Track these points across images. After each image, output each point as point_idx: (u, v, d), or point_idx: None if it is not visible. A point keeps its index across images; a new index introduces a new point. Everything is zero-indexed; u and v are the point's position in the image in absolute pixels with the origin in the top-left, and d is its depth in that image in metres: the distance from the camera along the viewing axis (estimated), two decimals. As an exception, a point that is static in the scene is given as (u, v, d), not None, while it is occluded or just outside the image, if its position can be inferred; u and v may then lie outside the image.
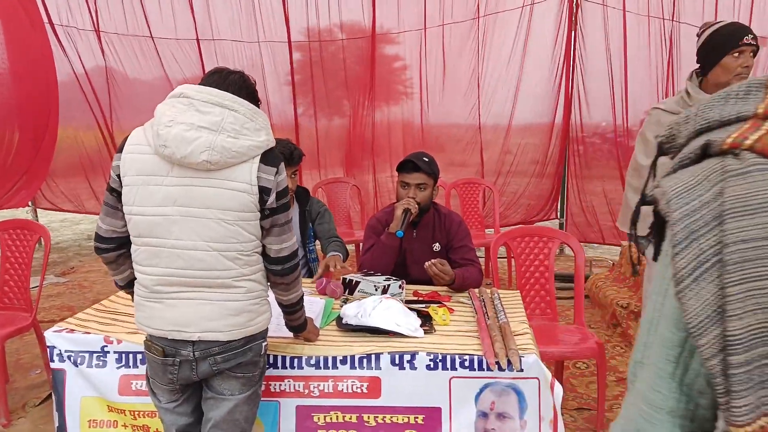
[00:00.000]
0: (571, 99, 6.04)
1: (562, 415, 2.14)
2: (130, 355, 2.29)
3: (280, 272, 1.90)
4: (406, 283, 2.76)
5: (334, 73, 6.43)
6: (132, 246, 1.90)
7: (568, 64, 5.96)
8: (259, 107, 1.97)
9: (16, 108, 5.45)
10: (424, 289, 2.80)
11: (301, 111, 6.60)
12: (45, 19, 5.96)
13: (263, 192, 1.80)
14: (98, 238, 1.96)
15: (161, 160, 1.78)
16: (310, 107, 6.66)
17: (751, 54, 2.45)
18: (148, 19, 6.17)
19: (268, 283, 1.99)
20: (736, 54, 2.45)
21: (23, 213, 6.75)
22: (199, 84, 1.88)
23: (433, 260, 2.63)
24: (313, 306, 2.50)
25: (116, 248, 1.95)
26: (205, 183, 1.77)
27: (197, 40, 6.25)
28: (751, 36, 2.44)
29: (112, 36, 6.31)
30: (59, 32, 6.22)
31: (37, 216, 6.84)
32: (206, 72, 1.94)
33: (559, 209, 6.44)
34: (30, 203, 6.55)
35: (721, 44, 2.47)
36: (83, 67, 6.35)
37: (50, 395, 3.41)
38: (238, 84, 1.90)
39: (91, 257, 6.96)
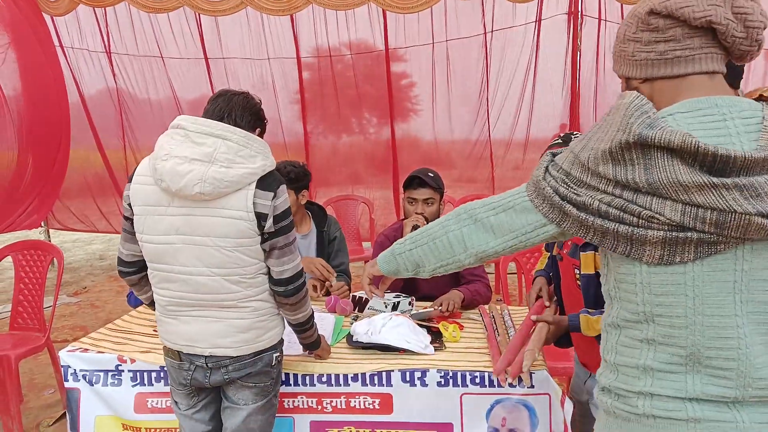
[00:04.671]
0: (579, 114, 6.06)
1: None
2: (145, 374, 2.31)
3: (283, 293, 1.93)
4: (416, 299, 2.78)
5: (342, 90, 6.49)
6: (148, 269, 1.98)
7: (574, 78, 5.99)
8: (264, 126, 2.02)
9: (29, 132, 5.54)
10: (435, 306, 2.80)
11: (310, 128, 6.67)
12: (56, 43, 6.07)
13: (260, 218, 1.83)
14: (120, 262, 2.04)
15: (162, 191, 1.84)
16: (319, 125, 6.73)
17: None
18: (158, 40, 6.27)
19: None
20: None
21: (35, 233, 6.82)
22: (206, 107, 1.94)
23: (438, 306, 2.64)
24: (324, 323, 2.52)
25: (138, 271, 2.03)
26: (204, 212, 1.82)
27: (206, 58, 6.34)
28: None
29: (123, 57, 6.41)
30: (69, 55, 6.33)
31: (49, 236, 6.91)
32: (212, 96, 1.98)
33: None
34: (42, 224, 6.61)
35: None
36: (94, 88, 6.45)
37: (64, 415, 3.45)
38: (241, 105, 1.94)
39: (102, 277, 7.02)
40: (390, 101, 6.39)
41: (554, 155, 1.25)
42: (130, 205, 1.92)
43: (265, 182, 1.85)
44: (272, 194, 1.85)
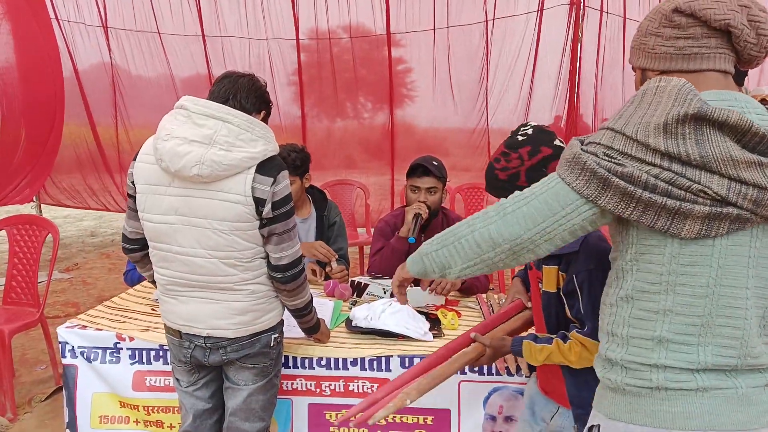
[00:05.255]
0: (577, 105, 6.07)
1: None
2: (144, 352, 2.32)
3: (281, 279, 1.93)
4: (414, 286, 2.79)
5: (338, 74, 6.44)
6: (149, 248, 1.98)
7: (573, 69, 6.00)
8: (270, 109, 2.01)
9: (23, 106, 5.47)
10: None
11: (305, 111, 6.63)
12: (52, 15, 5.98)
13: (258, 203, 1.82)
14: (124, 239, 2.05)
15: (163, 171, 1.83)
16: (313, 108, 6.69)
17: None
18: (156, 15, 6.19)
19: None
20: None
21: (27, 209, 6.77)
22: (211, 88, 1.93)
23: (436, 288, 2.62)
24: (324, 308, 2.53)
25: (141, 249, 2.03)
26: (202, 194, 1.81)
27: (203, 36, 6.27)
28: None
29: (120, 32, 6.33)
30: (65, 28, 6.24)
31: (41, 212, 6.86)
32: (217, 77, 1.97)
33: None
34: (34, 199, 6.56)
35: None
36: (89, 63, 6.38)
37: (56, 390, 3.45)
38: (247, 87, 1.93)
39: (94, 254, 6.99)
40: (391, 87, 6.36)
41: (581, 141, 1.25)
42: (133, 183, 1.91)
43: (266, 167, 1.83)
44: (272, 180, 1.83)
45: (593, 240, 1.57)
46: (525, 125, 1.74)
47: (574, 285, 1.58)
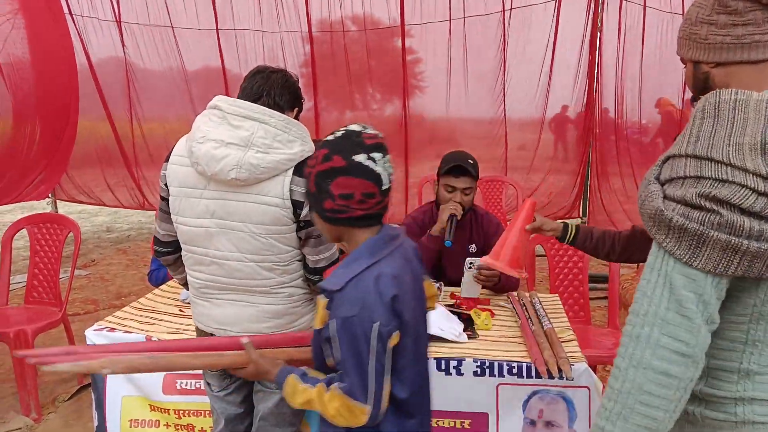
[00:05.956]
0: (596, 95, 5.98)
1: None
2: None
3: (319, 282, 1.88)
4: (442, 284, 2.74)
5: (348, 66, 6.38)
6: (182, 251, 1.93)
7: (593, 60, 5.91)
8: (302, 106, 1.96)
9: (38, 101, 5.44)
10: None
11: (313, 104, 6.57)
12: (66, 10, 5.94)
13: (296, 205, 1.77)
14: (157, 242, 2.00)
15: (198, 174, 1.78)
16: (322, 100, 6.63)
17: None
18: (170, 9, 6.15)
19: None
20: None
21: (42, 205, 6.76)
22: (242, 84, 1.88)
23: (478, 266, 2.59)
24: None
25: (174, 251, 1.98)
26: (239, 198, 1.77)
27: (217, 29, 6.22)
28: None
29: (133, 27, 6.29)
30: (79, 23, 6.20)
31: (56, 208, 6.84)
32: (248, 72, 1.91)
33: (581, 208, 6.38)
34: (50, 195, 6.54)
35: None
36: (102, 57, 6.35)
37: (80, 389, 3.43)
38: (280, 83, 1.88)
39: (111, 249, 6.98)
40: (405, 79, 6.29)
41: (657, 178, 1.11)
42: (166, 185, 1.87)
43: (303, 169, 1.77)
44: None
45: (366, 279, 1.32)
46: (352, 127, 1.41)
47: (330, 331, 1.32)
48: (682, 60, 1.24)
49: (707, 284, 1.05)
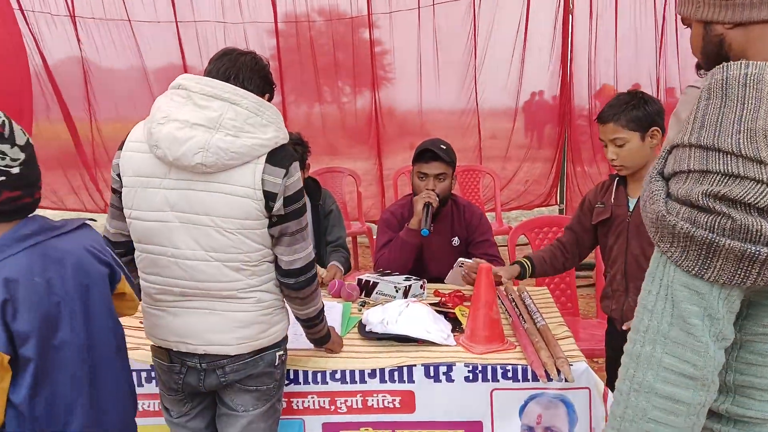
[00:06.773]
0: (570, 82, 5.88)
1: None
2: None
3: (293, 286, 1.71)
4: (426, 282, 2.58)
5: (314, 59, 6.18)
6: (135, 251, 1.73)
7: (565, 44, 5.81)
8: (273, 92, 1.78)
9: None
10: (446, 288, 2.60)
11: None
12: (15, 6, 5.63)
13: (268, 197, 1.60)
14: (107, 242, 1.75)
15: (158, 160, 1.59)
16: (290, 94, 6.43)
17: None
18: (126, 2, 5.86)
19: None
20: None
21: None
22: (208, 67, 1.69)
23: (464, 264, 2.45)
24: (332, 312, 2.29)
25: (126, 253, 1.77)
26: (204, 187, 1.58)
27: (176, 22, 5.96)
28: None
29: (89, 21, 5.99)
30: (30, 19, 5.88)
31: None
32: (214, 55, 1.73)
33: (558, 195, 6.29)
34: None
35: None
36: (57, 56, 6.05)
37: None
38: (250, 66, 1.69)
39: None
40: (373, 70, 6.13)
41: (661, 173, 0.95)
42: (119, 175, 1.66)
43: (277, 157, 1.61)
44: (284, 171, 1.61)
45: None
46: None
47: None
48: (685, 21, 1.03)
49: (713, 297, 0.89)
